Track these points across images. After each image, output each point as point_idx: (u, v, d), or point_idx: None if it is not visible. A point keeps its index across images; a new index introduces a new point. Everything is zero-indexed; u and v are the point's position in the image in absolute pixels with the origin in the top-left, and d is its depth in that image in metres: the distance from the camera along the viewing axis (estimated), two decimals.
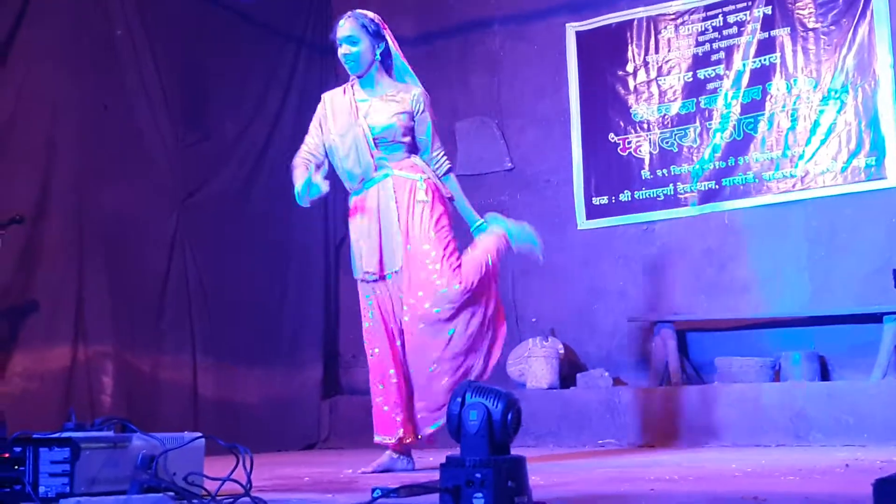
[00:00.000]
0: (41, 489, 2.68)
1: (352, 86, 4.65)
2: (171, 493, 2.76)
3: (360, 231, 4.60)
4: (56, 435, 2.74)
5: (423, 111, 4.58)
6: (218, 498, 2.73)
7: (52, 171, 5.94)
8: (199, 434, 2.99)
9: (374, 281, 4.54)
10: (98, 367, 5.94)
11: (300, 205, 4.61)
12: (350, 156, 4.55)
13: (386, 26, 4.60)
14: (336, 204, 7.81)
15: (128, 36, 6.46)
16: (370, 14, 4.57)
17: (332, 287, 7.82)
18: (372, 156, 4.51)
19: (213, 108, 7.10)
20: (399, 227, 4.47)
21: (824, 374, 6.10)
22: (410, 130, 4.57)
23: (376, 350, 4.55)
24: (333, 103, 4.64)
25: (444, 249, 4.41)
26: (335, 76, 8.09)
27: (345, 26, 4.49)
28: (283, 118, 7.56)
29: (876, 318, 5.84)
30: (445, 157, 4.68)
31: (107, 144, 6.24)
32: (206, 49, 7.06)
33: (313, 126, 4.71)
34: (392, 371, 4.49)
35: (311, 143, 4.70)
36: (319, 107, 4.71)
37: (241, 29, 7.30)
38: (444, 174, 4.66)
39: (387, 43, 4.54)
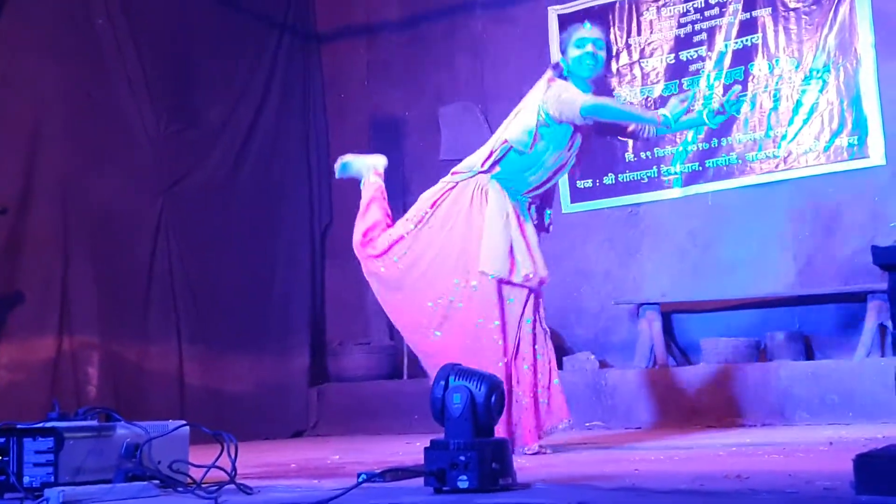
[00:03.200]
0: (25, 479, 2.68)
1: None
2: (156, 482, 2.76)
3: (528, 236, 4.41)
4: (40, 425, 2.74)
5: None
6: (203, 485, 2.73)
7: (36, 161, 5.91)
8: (184, 422, 2.99)
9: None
10: (84, 357, 5.93)
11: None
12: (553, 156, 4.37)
13: None
14: (321, 190, 7.82)
15: (109, 25, 6.43)
16: None
17: (319, 275, 7.82)
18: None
19: (197, 95, 7.07)
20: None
21: (809, 354, 6.13)
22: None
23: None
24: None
25: None
26: (319, 63, 8.09)
27: (593, 30, 4.45)
28: (267, 105, 7.55)
29: (860, 298, 5.86)
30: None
31: (90, 134, 6.22)
32: (189, 36, 7.03)
33: None
34: None
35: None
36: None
37: (223, 16, 7.28)
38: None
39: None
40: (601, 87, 4.54)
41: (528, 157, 4.31)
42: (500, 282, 4.25)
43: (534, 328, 4.36)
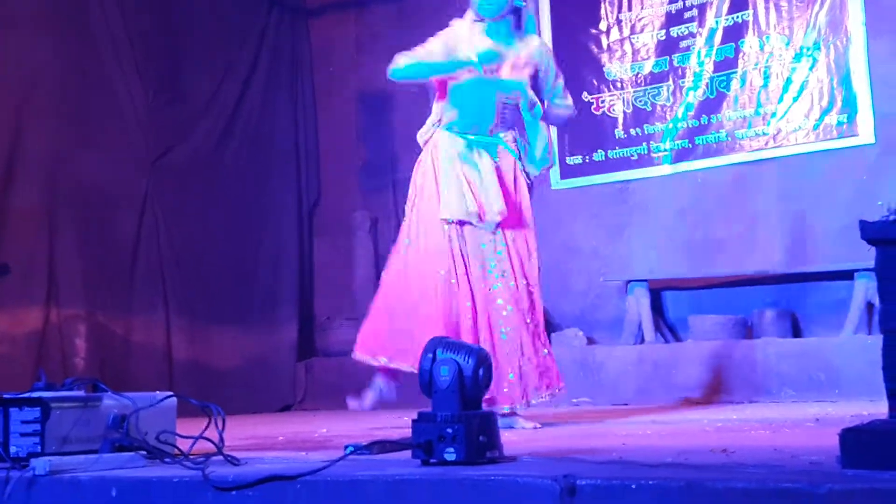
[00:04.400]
0: (12, 449, 2.67)
1: (479, 30, 4.33)
2: (143, 452, 2.75)
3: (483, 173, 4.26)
4: (26, 395, 2.73)
5: (552, 67, 4.38)
6: (190, 457, 2.72)
7: (22, 135, 5.89)
8: (171, 393, 2.98)
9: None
10: (70, 329, 5.92)
11: (394, 77, 4.33)
12: (470, 100, 4.28)
13: None
14: (309, 164, 7.80)
15: None
16: None
17: (307, 248, 7.81)
18: (497, 114, 4.30)
19: (185, 69, 7.05)
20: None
21: (796, 332, 6.16)
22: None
23: None
24: (460, 35, 4.34)
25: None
26: (307, 37, 8.05)
27: None
28: (255, 79, 7.52)
29: (847, 276, 5.88)
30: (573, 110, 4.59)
31: (77, 107, 6.19)
32: (178, 10, 6.99)
33: (437, 40, 4.36)
34: None
35: (434, 45, 4.35)
36: (444, 33, 4.39)
37: None
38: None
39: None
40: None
41: (448, 101, 4.31)
42: (461, 224, 4.22)
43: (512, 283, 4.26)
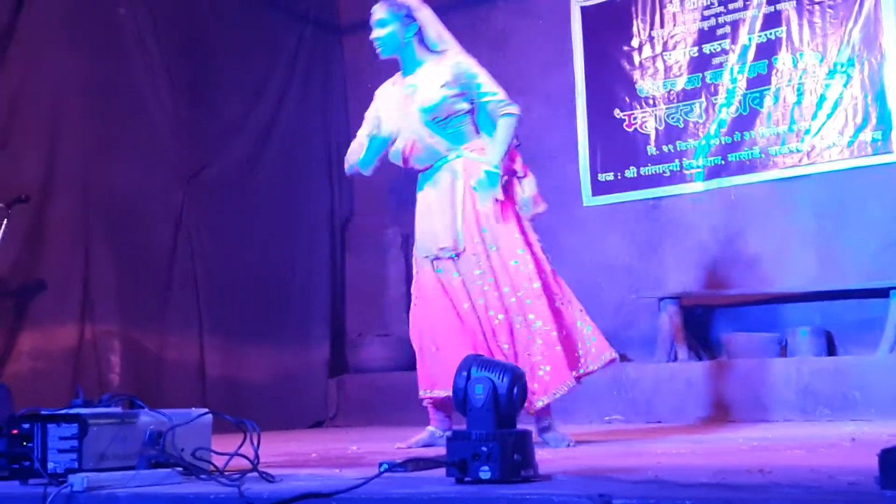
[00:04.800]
0: (50, 465, 2.69)
1: (399, 77, 4.51)
2: (179, 469, 2.77)
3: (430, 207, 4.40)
4: (64, 411, 2.75)
5: (467, 72, 4.34)
6: (226, 473, 2.73)
7: (58, 150, 5.95)
8: (206, 410, 3.00)
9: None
10: (105, 345, 5.96)
11: (365, 173, 4.52)
12: (409, 145, 4.39)
13: (422, 6, 4.42)
14: (342, 181, 7.83)
15: (131, 14, 6.46)
16: None
17: (339, 265, 7.83)
18: (434, 140, 4.35)
19: (219, 86, 7.09)
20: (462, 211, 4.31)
21: (831, 350, 6.10)
22: (464, 98, 4.35)
23: None
24: (384, 98, 4.52)
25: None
26: (340, 54, 8.09)
27: (375, 11, 4.40)
28: (289, 96, 7.57)
29: (883, 293, 5.82)
30: (506, 102, 4.36)
31: (112, 123, 6.25)
32: (211, 26, 7.05)
33: (366, 119, 4.60)
34: None
35: (362, 133, 4.57)
36: (371, 106, 4.58)
37: (245, 7, 7.30)
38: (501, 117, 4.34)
39: (419, 23, 4.37)
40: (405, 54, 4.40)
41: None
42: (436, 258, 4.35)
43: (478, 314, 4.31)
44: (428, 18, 4.43)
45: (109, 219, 6.15)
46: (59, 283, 5.82)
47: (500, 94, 4.36)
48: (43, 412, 2.76)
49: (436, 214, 4.35)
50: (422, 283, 4.45)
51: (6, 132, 5.68)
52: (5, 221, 5.15)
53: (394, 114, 4.40)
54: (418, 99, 4.35)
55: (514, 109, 4.35)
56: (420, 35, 4.40)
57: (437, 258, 4.35)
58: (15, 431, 2.74)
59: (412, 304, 4.55)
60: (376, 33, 4.39)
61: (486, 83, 4.35)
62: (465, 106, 4.37)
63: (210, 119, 6.98)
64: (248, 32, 7.33)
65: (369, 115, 4.59)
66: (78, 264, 5.95)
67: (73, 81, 6.05)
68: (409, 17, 4.38)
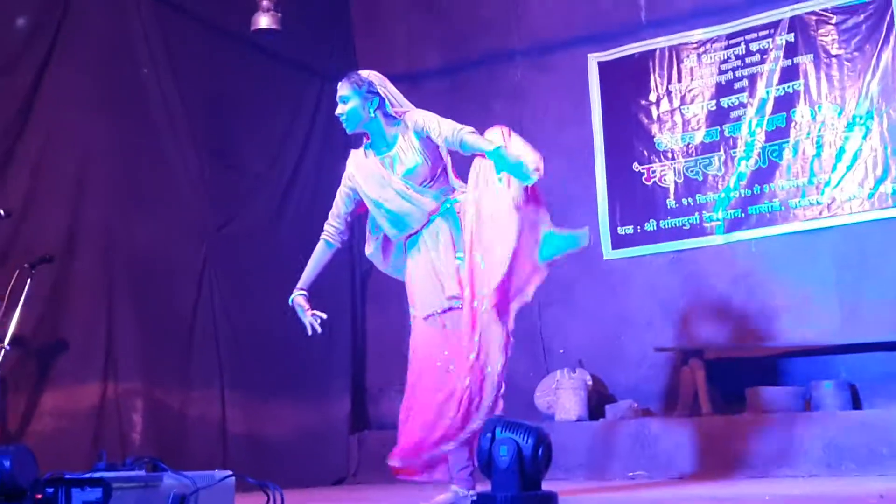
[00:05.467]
0: None
1: (366, 149, 4.58)
2: None
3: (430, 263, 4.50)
4: (88, 475, 2.75)
5: (428, 129, 4.41)
6: None
7: (81, 209, 5.98)
8: (230, 472, 2.99)
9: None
10: (127, 404, 5.95)
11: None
12: (393, 203, 4.47)
13: (385, 82, 4.51)
14: (361, 235, 7.83)
15: (154, 74, 6.52)
16: (364, 73, 4.53)
17: (359, 320, 7.83)
18: (424, 199, 4.44)
19: (240, 142, 7.15)
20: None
21: (856, 403, 6.05)
22: (438, 159, 4.48)
23: None
24: (360, 168, 4.58)
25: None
26: None
27: (339, 88, 4.49)
28: (309, 151, 7.62)
29: None
30: (461, 127, 4.38)
31: (135, 181, 6.29)
32: (232, 85, 7.11)
33: (340, 194, 4.71)
34: None
35: (336, 213, 4.79)
36: (345, 177, 4.66)
37: (266, 65, 7.36)
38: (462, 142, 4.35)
39: (381, 99, 4.45)
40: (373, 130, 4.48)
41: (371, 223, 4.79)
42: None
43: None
44: (389, 91, 4.51)
45: (132, 277, 6.17)
46: (81, 341, 5.83)
47: (454, 127, 4.39)
48: (67, 476, 2.77)
49: (439, 266, 4.43)
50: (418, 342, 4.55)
51: (30, 191, 5.72)
52: (29, 281, 5.17)
53: (374, 185, 4.48)
54: (399, 168, 4.44)
55: (470, 128, 4.40)
56: (383, 108, 4.46)
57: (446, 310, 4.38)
58: (39, 496, 2.73)
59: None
60: (340, 109, 4.48)
61: (441, 127, 4.40)
62: (441, 162, 4.49)
63: (231, 175, 7.02)
64: (269, 88, 7.40)
65: (344, 188, 4.67)
66: (101, 323, 5.96)
67: (96, 140, 6.11)
68: (371, 91, 4.44)
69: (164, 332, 6.31)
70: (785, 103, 6.56)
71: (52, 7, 5.98)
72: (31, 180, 5.76)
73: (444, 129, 4.38)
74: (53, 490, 2.73)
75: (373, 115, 4.45)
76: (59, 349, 5.70)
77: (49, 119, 5.88)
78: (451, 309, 4.40)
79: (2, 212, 5.15)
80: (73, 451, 5.38)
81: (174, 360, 6.35)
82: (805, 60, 6.52)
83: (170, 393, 6.24)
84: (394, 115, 4.48)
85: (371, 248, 4.84)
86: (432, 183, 4.46)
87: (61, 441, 5.49)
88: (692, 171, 6.85)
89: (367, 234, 4.83)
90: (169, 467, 2.90)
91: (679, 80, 6.98)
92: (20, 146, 5.74)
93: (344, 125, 4.52)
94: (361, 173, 4.56)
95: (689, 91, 6.95)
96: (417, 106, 4.60)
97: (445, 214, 4.47)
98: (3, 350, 4.98)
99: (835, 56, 6.42)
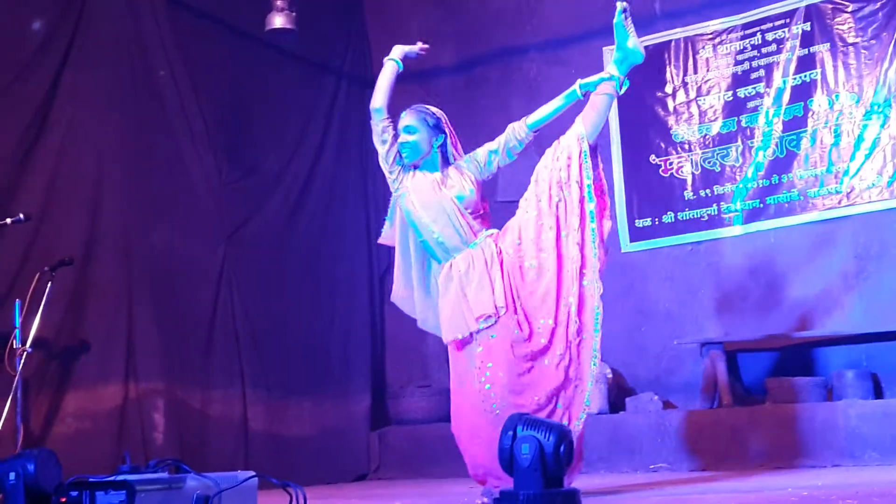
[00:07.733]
0: None
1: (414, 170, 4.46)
2: None
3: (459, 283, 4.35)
4: (111, 478, 2.76)
5: (475, 156, 4.43)
6: None
7: (100, 212, 6.01)
8: (253, 473, 3.00)
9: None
10: (149, 404, 5.99)
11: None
12: (439, 222, 4.33)
13: (447, 122, 4.46)
14: (379, 231, 7.84)
15: (170, 76, 6.54)
16: (433, 109, 4.48)
17: (378, 318, 7.84)
18: (468, 223, 4.34)
19: (256, 143, 7.17)
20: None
21: (878, 392, 6.02)
22: (483, 197, 4.44)
23: None
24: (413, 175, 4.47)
25: None
26: None
27: (406, 117, 4.40)
28: (325, 151, 7.63)
29: None
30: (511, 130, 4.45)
31: (152, 184, 6.32)
32: (247, 85, 7.13)
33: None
34: None
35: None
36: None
37: (281, 65, 7.38)
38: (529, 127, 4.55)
39: (446, 137, 4.40)
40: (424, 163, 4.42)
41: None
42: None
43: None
44: (453, 132, 4.47)
45: (152, 278, 6.20)
46: (102, 343, 5.86)
47: (501, 139, 4.45)
48: (91, 479, 2.78)
49: (471, 285, 4.28)
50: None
51: (49, 195, 5.75)
52: (49, 284, 5.20)
53: (427, 195, 4.36)
54: (453, 189, 4.36)
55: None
56: (444, 147, 4.40)
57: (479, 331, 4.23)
58: (63, 500, 2.75)
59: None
60: (404, 138, 4.37)
61: (488, 146, 4.44)
62: (486, 203, 4.46)
63: (248, 176, 7.05)
64: (285, 89, 7.41)
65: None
66: (121, 324, 5.99)
67: (113, 143, 6.14)
68: (438, 127, 4.39)
69: (184, 333, 6.34)
70: (802, 93, 6.53)
71: (68, 12, 6.01)
72: (49, 184, 5.79)
73: (491, 147, 4.42)
74: (77, 493, 2.74)
75: (435, 150, 4.39)
76: (80, 351, 5.73)
77: (66, 123, 5.91)
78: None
79: (21, 216, 5.19)
80: (96, 452, 5.42)
81: (195, 360, 6.38)
82: (822, 49, 6.48)
83: (191, 393, 6.28)
84: (451, 157, 4.43)
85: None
86: (472, 216, 4.37)
87: (84, 442, 5.53)
88: (709, 163, 6.83)
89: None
90: (192, 468, 2.91)
91: (695, 72, 6.96)
92: (38, 150, 5.78)
93: (403, 154, 4.38)
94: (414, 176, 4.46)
95: (706, 82, 6.92)
96: (430, 104, 4.59)
97: (473, 249, 4.33)
98: (25, 353, 5.01)
99: (851, 44, 6.38)
